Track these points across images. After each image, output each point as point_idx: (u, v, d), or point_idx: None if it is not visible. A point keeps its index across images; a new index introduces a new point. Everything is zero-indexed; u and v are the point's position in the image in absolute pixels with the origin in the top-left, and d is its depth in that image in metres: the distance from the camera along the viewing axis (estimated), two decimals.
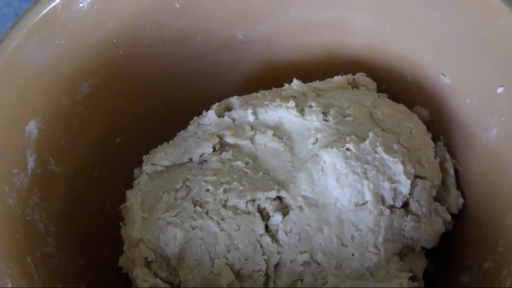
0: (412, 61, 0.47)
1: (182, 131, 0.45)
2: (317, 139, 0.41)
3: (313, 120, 0.41)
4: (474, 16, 0.41)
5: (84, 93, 0.45)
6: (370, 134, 0.40)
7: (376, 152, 0.39)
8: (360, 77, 0.48)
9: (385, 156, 0.39)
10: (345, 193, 0.38)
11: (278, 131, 0.42)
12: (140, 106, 0.49)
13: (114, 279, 0.43)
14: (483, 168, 0.42)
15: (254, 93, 0.46)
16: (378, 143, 0.39)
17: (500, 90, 0.40)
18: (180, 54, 0.49)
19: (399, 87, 0.48)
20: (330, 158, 0.39)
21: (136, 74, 0.48)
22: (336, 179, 0.38)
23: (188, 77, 0.50)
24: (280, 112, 0.42)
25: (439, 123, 0.46)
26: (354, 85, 0.47)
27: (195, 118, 0.46)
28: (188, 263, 0.37)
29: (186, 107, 0.47)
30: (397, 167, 0.39)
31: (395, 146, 0.40)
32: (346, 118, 0.42)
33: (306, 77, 0.48)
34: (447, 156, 0.45)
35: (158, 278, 0.38)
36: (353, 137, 0.40)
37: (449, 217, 0.42)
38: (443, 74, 0.44)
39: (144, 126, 0.50)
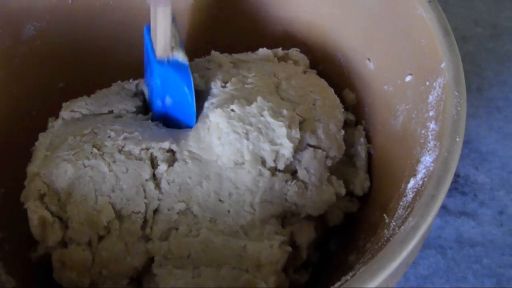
0: (345, 44, 0.47)
1: (104, 89, 0.48)
2: (212, 102, 0.43)
3: (212, 87, 0.44)
4: (398, 4, 0.42)
5: (29, 35, 0.47)
6: (258, 98, 0.41)
7: (262, 116, 0.40)
8: (294, 52, 0.49)
9: (270, 120, 0.40)
10: (225, 151, 0.40)
11: None
12: (86, 57, 0.51)
13: None
14: (387, 154, 0.43)
15: None
16: (265, 107, 0.41)
17: (408, 78, 0.41)
18: (131, 13, 0.51)
19: (333, 69, 0.49)
20: (215, 117, 0.40)
21: (84, 26, 0.50)
22: (218, 137, 0.40)
23: (136, 36, 0.52)
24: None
25: (362, 108, 0.47)
26: (283, 59, 0.48)
27: (119, 82, 0.48)
28: (75, 198, 0.40)
29: (132, 65, 0.50)
30: (281, 130, 0.40)
31: (284, 112, 0.41)
32: (246, 85, 0.43)
33: (248, 48, 0.50)
34: (362, 139, 0.46)
35: (48, 212, 0.39)
36: (241, 99, 0.41)
37: (343, 191, 0.43)
38: (368, 59, 0.45)
39: (88, 75, 0.52)
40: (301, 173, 0.41)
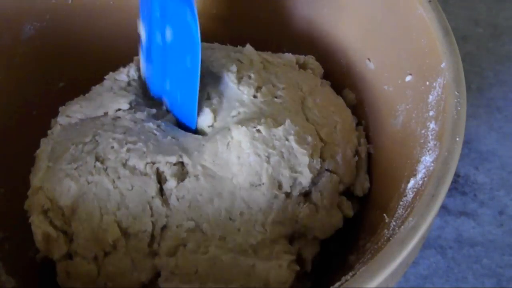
0: (345, 44, 0.47)
1: (97, 85, 0.46)
2: (239, 112, 0.41)
3: (244, 92, 0.42)
4: (398, 4, 0.42)
5: (29, 34, 0.47)
6: (287, 121, 0.40)
7: (287, 140, 0.39)
8: (310, 59, 0.48)
9: (295, 146, 0.39)
10: (243, 171, 0.38)
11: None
12: (86, 57, 0.51)
13: None
14: (387, 155, 0.43)
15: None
16: (292, 131, 0.40)
17: (408, 78, 0.41)
18: (131, 13, 0.51)
19: (333, 69, 0.49)
20: (238, 135, 0.39)
21: (85, 25, 0.50)
22: (237, 156, 0.39)
23: (136, 36, 0.52)
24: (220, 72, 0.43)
25: (362, 108, 0.47)
26: (303, 66, 0.48)
27: (110, 73, 0.46)
28: (79, 215, 0.38)
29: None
30: (303, 158, 0.39)
31: (309, 138, 0.40)
32: (276, 99, 0.42)
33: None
34: (362, 140, 0.45)
35: (52, 227, 0.39)
36: (268, 120, 0.40)
37: (351, 213, 0.43)
38: (368, 59, 0.45)
39: (89, 75, 0.52)
40: (315, 196, 0.40)
